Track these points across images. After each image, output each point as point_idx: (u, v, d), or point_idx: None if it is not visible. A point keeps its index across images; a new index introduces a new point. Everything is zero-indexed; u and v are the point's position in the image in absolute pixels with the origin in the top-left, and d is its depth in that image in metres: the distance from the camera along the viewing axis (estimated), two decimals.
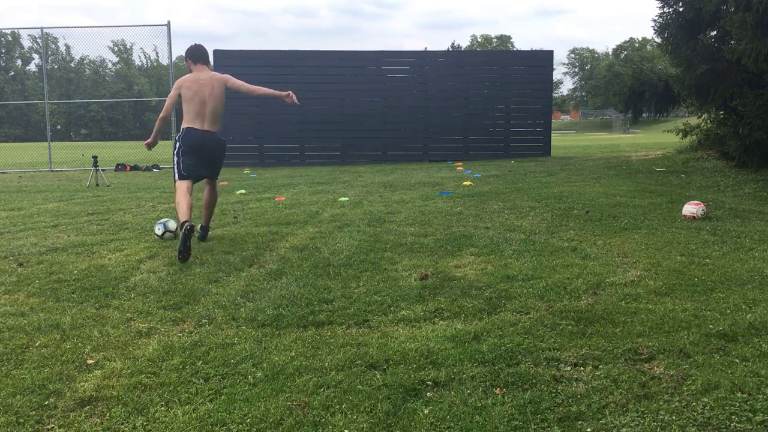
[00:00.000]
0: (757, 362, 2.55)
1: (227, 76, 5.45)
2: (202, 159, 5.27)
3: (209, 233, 5.65)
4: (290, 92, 5.47)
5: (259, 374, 2.57)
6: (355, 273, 4.22)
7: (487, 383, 2.43)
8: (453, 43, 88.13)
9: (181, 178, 5.17)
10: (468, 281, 3.90)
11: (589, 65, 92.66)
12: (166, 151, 19.44)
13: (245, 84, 5.48)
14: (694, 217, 5.96)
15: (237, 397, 2.37)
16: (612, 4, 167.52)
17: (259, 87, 5.53)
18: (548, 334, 2.93)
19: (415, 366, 2.60)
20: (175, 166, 5.24)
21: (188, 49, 5.48)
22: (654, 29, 11.02)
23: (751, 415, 2.13)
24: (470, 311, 3.31)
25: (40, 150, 21.69)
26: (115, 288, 3.97)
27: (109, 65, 79.98)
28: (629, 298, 3.47)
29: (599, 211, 6.54)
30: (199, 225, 5.56)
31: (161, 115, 5.30)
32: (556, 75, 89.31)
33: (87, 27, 22.06)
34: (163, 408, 2.31)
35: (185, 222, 4.72)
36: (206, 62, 5.47)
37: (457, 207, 7.23)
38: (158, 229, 5.61)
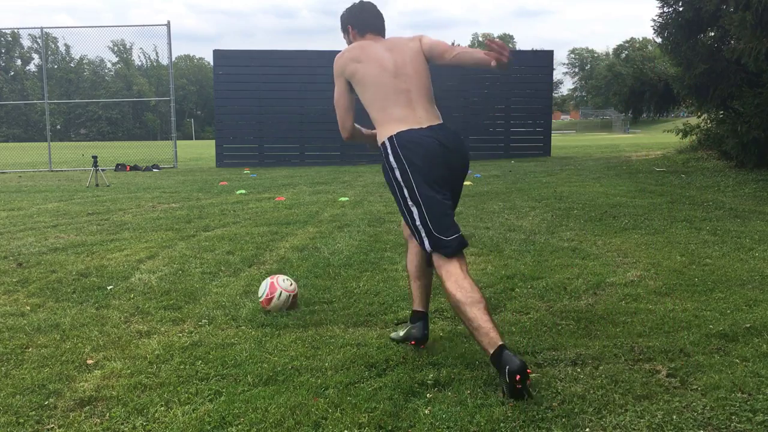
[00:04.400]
0: (757, 362, 2.55)
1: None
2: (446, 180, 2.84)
3: None
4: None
5: (259, 374, 2.57)
6: (355, 273, 4.21)
7: (487, 383, 2.42)
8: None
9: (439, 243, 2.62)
10: None
11: (588, 65, 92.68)
12: (165, 150, 19.42)
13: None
14: None
15: (237, 397, 2.37)
16: (611, 3, 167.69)
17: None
18: (548, 334, 2.93)
19: (415, 366, 2.60)
20: (417, 219, 2.63)
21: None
22: (654, 29, 11.02)
23: (751, 415, 2.13)
24: None
25: (40, 150, 21.67)
26: (115, 288, 3.97)
27: (109, 65, 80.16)
28: (629, 298, 3.47)
29: (599, 211, 6.54)
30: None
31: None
32: (556, 75, 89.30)
33: (87, 27, 22.04)
34: (163, 408, 2.31)
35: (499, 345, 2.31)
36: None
37: (456, 207, 7.22)
38: None
